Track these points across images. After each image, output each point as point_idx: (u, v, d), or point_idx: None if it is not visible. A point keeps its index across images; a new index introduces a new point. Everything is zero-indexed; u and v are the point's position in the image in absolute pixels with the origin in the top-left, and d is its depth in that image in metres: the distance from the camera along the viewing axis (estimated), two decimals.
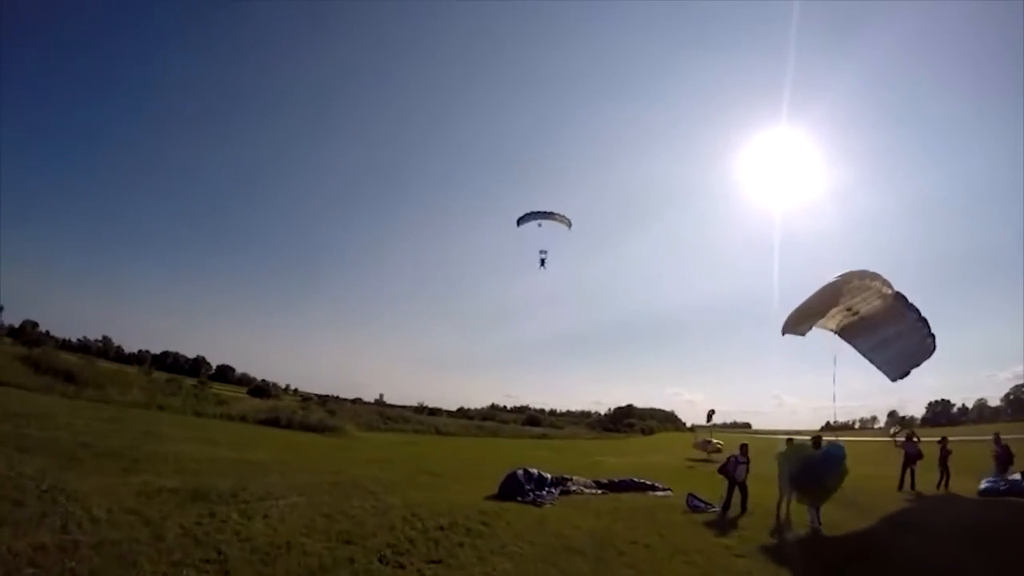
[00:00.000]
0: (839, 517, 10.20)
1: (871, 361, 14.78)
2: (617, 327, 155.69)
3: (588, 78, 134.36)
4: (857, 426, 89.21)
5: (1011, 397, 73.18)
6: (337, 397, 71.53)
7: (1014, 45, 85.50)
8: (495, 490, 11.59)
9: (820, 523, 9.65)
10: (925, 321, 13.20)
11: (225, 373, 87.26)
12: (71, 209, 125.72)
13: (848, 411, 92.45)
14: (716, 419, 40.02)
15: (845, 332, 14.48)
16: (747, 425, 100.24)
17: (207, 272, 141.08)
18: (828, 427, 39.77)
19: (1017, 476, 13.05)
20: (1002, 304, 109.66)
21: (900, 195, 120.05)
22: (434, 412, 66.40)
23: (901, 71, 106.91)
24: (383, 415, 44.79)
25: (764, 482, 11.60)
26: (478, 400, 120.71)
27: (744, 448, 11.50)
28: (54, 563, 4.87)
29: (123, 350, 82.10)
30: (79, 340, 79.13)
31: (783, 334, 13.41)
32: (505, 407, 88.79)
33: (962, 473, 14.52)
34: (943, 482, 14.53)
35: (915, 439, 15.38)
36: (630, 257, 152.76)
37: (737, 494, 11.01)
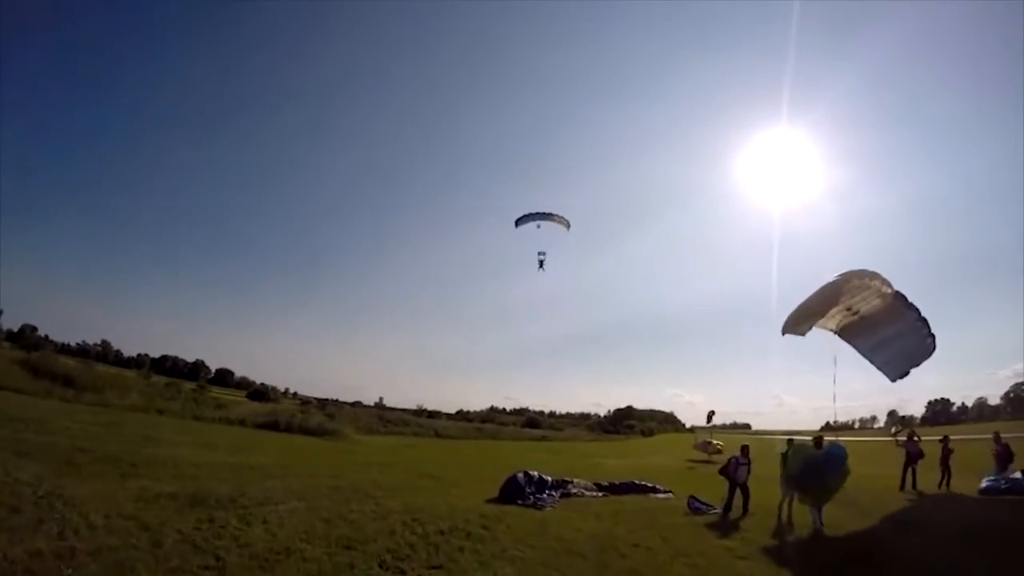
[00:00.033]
0: (840, 517, 10.19)
1: (871, 361, 14.76)
2: (617, 328, 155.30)
3: (588, 78, 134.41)
4: (857, 426, 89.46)
5: (1011, 395, 73.52)
6: (336, 400, 71.30)
7: (1014, 45, 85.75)
8: (495, 493, 11.52)
9: (822, 523, 9.62)
10: (925, 321, 13.20)
11: (224, 377, 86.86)
12: (70, 212, 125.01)
13: (848, 411, 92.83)
14: (716, 420, 40.17)
15: (845, 332, 14.47)
16: (747, 426, 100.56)
17: (206, 275, 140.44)
18: (828, 427, 39.93)
19: (1018, 474, 13.05)
20: (1002, 303, 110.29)
21: (900, 195, 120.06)
22: (434, 415, 66.54)
23: (901, 71, 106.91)
24: (383, 418, 44.67)
25: (765, 483, 11.57)
26: (477, 402, 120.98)
27: (745, 449, 11.47)
28: (51, 570, 4.82)
29: (122, 354, 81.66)
30: (78, 344, 79.04)
31: (783, 334, 13.41)
32: (504, 409, 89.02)
33: (963, 472, 14.54)
34: (944, 481, 14.53)
35: (916, 438, 15.39)
36: (630, 257, 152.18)
37: (738, 495, 10.98)
